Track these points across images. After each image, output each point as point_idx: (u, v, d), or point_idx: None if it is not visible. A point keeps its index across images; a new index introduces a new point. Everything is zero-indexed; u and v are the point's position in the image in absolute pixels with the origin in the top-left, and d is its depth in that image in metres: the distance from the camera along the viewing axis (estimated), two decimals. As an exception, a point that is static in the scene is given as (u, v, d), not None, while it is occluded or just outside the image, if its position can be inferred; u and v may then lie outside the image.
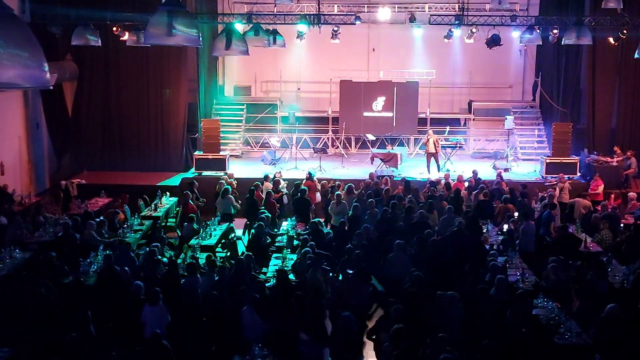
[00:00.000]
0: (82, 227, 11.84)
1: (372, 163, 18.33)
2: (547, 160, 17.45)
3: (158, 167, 18.54)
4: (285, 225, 13.10)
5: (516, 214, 12.92)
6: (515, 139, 20.02)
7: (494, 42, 16.97)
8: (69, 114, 18.77)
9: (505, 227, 12.30)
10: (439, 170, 17.17)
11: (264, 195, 14.22)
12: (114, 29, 16.22)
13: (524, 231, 11.76)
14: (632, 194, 14.92)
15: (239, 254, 11.46)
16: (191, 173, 17.80)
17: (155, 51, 17.71)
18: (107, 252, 10.44)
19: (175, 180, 17.49)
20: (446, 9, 19.65)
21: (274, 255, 11.29)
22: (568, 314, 8.53)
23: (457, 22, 17.10)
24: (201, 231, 12.37)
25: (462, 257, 10.42)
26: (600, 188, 15.81)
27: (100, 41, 15.99)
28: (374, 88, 20.46)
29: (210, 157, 17.63)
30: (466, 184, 15.25)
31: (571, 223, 13.10)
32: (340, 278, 10.04)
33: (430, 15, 18.10)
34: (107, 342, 7.92)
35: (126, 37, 16.27)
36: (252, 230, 12.40)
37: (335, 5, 20.14)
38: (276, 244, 11.97)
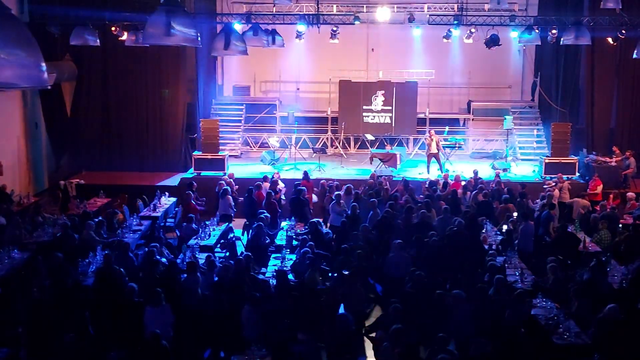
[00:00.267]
0: (80, 228, 11.83)
1: (371, 163, 18.33)
2: (546, 161, 17.45)
3: (157, 167, 18.53)
4: (284, 225, 13.10)
5: (515, 214, 12.93)
6: (514, 139, 20.01)
7: (493, 42, 16.98)
8: (67, 114, 18.76)
9: (505, 227, 12.29)
10: (442, 171, 17.14)
11: (265, 195, 14.21)
12: (113, 29, 16.20)
13: (523, 231, 11.77)
14: (630, 194, 14.92)
15: (238, 254, 11.46)
16: (190, 173, 17.78)
17: (154, 51, 17.69)
18: (106, 252, 10.42)
19: (174, 180, 17.47)
20: (445, 9, 19.64)
21: (273, 255, 11.29)
22: (567, 314, 8.53)
23: (456, 22, 17.10)
24: (200, 231, 12.36)
25: (460, 256, 10.44)
26: (599, 188, 15.81)
27: (98, 41, 15.97)
28: (373, 88, 20.46)
29: (209, 157, 17.62)
30: (462, 183, 15.26)
31: (570, 223, 13.09)
32: (336, 277, 10.03)
33: (429, 15, 18.11)
34: (106, 343, 7.91)
35: (125, 37, 16.26)
36: (251, 230, 12.40)
37: (334, 5, 20.13)
38: (275, 243, 11.98)
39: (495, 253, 10.93)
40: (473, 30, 17.73)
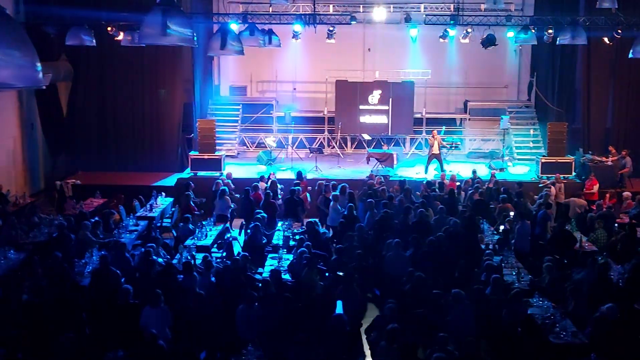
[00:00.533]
0: (77, 228, 11.79)
1: (368, 163, 18.33)
2: (543, 160, 17.48)
3: (153, 167, 18.48)
4: (281, 225, 13.09)
5: (512, 213, 12.94)
6: (511, 138, 20.04)
7: (489, 42, 16.98)
8: (63, 115, 18.71)
9: (501, 227, 12.31)
10: (442, 171, 17.10)
11: (263, 196, 14.19)
12: (109, 29, 16.14)
13: (520, 231, 11.78)
14: (627, 193, 14.96)
15: (235, 254, 11.43)
16: (186, 173, 17.76)
17: (150, 51, 17.64)
18: (103, 252, 10.39)
19: (170, 180, 17.45)
20: (441, 9, 19.66)
21: (270, 255, 11.27)
22: (563, 314, 8.54)
23: (452, 22, 17.09)
24: (197, 231, 12.34)
25: (458, 256, 10.44)
26: (596, 187, 15.85)
27: (94, 41, 15.91)
28: (370, 88, 20.46)
29: (205, 157, 17.60)
30: (457, 183, 15.27)
31: (567, 222, 13.10)
32: (331, 278, 10.02)
33: (426, 15, 18.07)
34: (103, 343, 7.89)
35: (121, 37, 16.20)
36: (249, 231, 12.39)
37: (331, 5, 20.12)
38: (272, 243, 11.97)
39: (492, 253, 10.93)
40: (469, 30, 17.74)
